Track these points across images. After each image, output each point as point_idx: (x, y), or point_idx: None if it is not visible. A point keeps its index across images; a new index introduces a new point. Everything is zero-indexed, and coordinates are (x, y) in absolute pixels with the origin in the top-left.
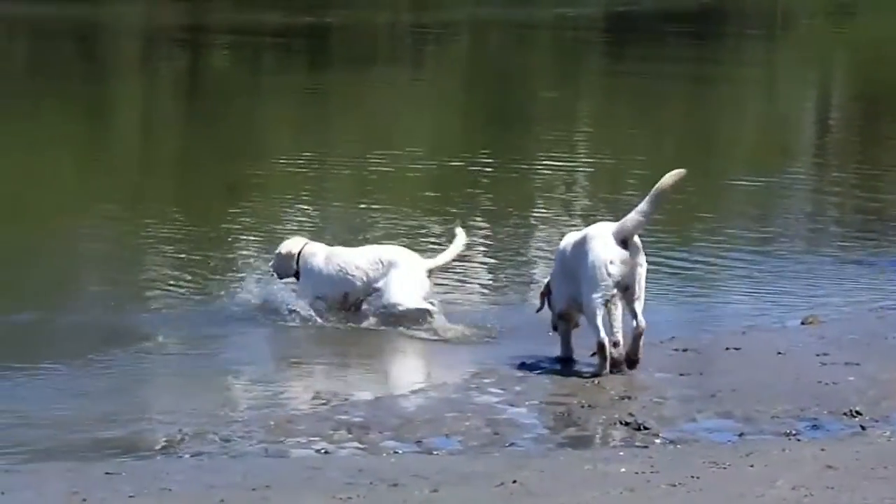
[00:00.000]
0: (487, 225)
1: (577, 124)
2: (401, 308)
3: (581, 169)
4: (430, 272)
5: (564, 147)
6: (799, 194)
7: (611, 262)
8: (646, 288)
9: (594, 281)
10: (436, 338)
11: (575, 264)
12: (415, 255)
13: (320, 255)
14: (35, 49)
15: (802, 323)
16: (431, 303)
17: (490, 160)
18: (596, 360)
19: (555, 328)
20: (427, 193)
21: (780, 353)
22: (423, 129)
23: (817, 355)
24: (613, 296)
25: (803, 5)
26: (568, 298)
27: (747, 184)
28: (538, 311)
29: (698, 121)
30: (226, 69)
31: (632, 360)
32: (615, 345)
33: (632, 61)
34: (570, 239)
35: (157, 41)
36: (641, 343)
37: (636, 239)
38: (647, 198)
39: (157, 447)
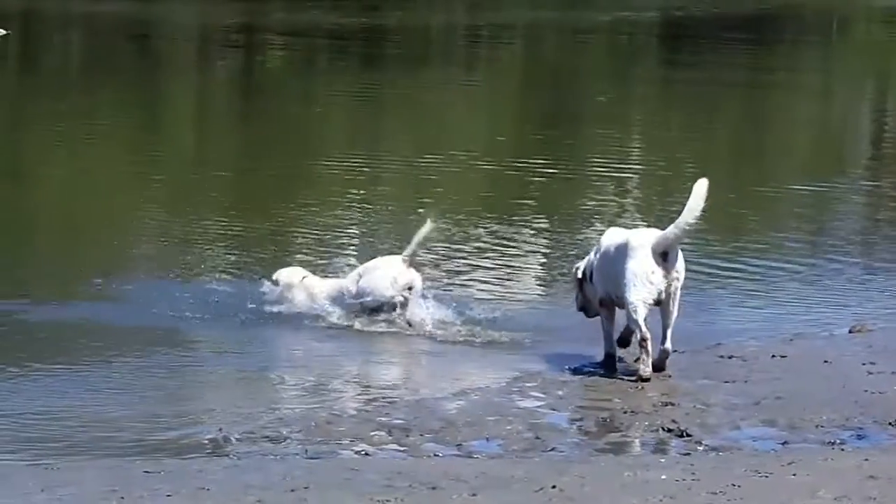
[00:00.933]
0: (537, 228)
1: (631, 128)
2: (368, 299)
3: (633, 173)
4: (409, 262)
5: (617, 151)
6: (851, 202)
7: (652, 273)
8: (681, 299)
9: (636, 287)
10: (465, 340)
11: (616, 267)
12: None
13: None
14: (91, 46)
15: (850, 331)
16: (403, 295)
17: (542, 163)
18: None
19: (581, 309)
20: (478, 195)
21: (826, 361)
22: (475, 130)
23: (864, 364)
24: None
25: (859, 12)
26: (605, 292)
27: (799, 190)
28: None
29: (752, 126)
30: (280, 69)
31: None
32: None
33: (687, 66)
34: (614, 237)
35: (212, 40)
36: (666, 364)
37: (676, 251)
38: (686, 212)
39: (197, 447)
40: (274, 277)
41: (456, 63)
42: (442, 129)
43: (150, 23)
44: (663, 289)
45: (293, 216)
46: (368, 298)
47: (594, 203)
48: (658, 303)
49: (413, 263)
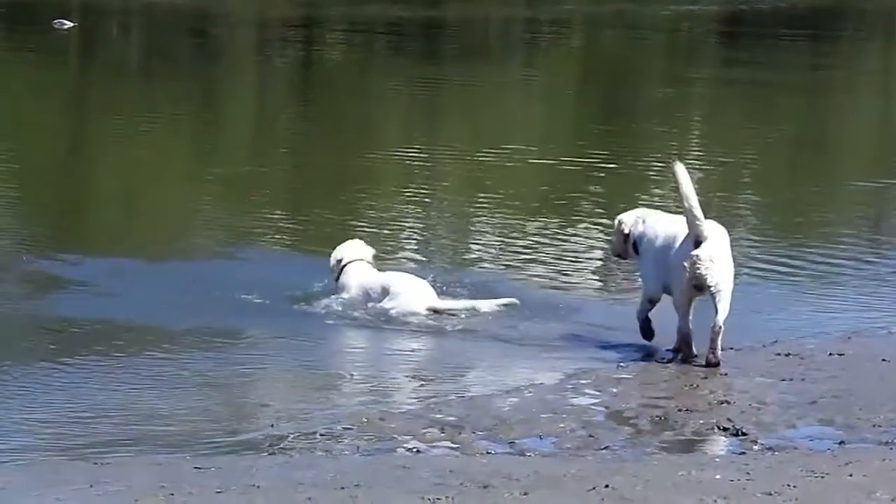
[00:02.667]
0: (594, 222)
1: (690, 123)
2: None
3: (693, 167)
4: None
5: (676, 145)
6: None
7: (683, 262)
8: (732, 291)
9: (674, 278)
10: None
11: (664, 256)
12: None
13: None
14: (151, 39)
15: None
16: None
17: (600, 157)
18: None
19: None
20: (535, 189)
21: (884, 360)
22: (534, 125)
23: None
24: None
25: None
26: (661, 283)
27: (859, 187)
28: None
29: (812, 122)
30: (340, 62)
31: (710, 362)
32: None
33: (746, 60)
34: (666, 227)
35: (272, 33)
36: (719, 343)
37: (713, 236)
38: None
39: (248, 443)
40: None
41: (515, 57)
42: (500, 124)
43: (210, 15)
44: (700, 275)
45: (349, 210)
46: (393, 313)
47: (651, 198)
48: (703, 287)
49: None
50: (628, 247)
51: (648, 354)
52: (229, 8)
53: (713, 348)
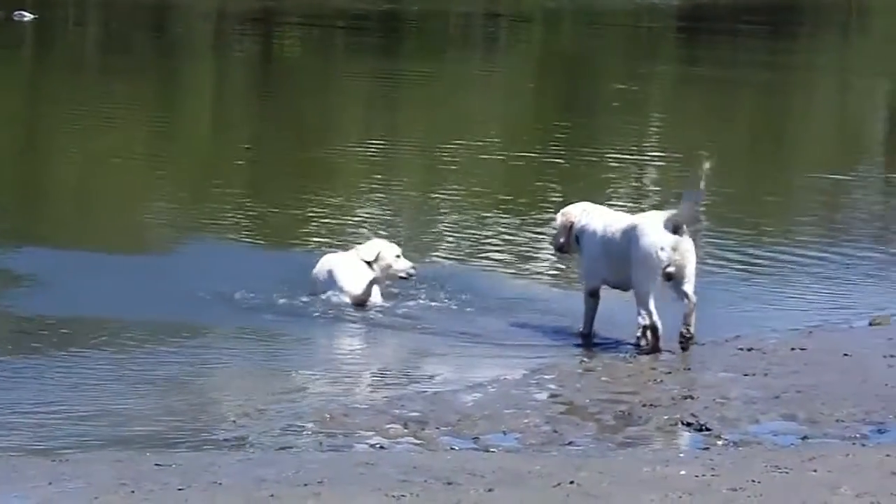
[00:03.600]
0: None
1: (649, 116)
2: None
3: (650, 161)
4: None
5: (634, 138)
6: (869, 192)
7: (661, 249)
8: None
9: (645, 267)
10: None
11: (623, 248)
12: None
13: None
14: (107, 32)
15: (870, 324)
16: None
17: (559, 150)
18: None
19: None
20: (494, 182)
21: (846, 354)
22: (493, 118)
23: (885, 357)
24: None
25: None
26: (601, 278)
27: (818, 181)
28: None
29: (769, 115)
30: (299, 55)
31: (685, 337)
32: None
33: (704, 55)
34: (614, 222)
35: (231, 26)
36: (693, 319)
37: (686, 229)
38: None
39: (209, 440)
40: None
41: (475, 51)
42: (459, 117)
43: (170, 8)
44: (676, 262)
45: (308, 202)
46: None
47: (610, 190)
48: (670, 277)
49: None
50: (571, 239)
51: (611, 349)
52: (188, 1)
53: (689, 325)
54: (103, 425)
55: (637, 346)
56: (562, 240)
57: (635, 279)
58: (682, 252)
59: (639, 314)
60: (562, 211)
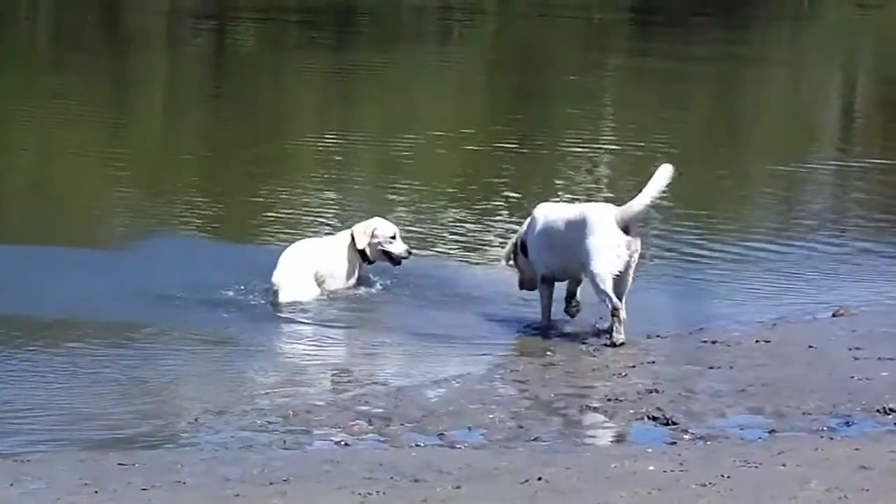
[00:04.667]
0: (510, 208)
1: (602, 108)
2: None
3: (605, 153)
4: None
5: (588, 131)
6: (826, 182)
7: (618, 246)
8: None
9: (603, 260)
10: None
11: (571, 241)
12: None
13: None
14: (59, 25)
15: (833, 315)
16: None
17: (513, 143)
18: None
19: (521, 286)
20: (449, 175)
21: (811, 346)
22: (447, 110)
23: (850, 349)
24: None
25: None
26: (548, 267)
27: (772, 171)
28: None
29: (724, 107)
30: (253, 49)
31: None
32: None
33: (657, 46)
34: (558, 213)
35: (184, 19)
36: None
37: (635, 227)
38: (649, 189)
39: (173, 438)
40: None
41: (429, 43)
42: (414, 110)
43: (122, 2)
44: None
45: (265, 197)
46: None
47: (565, 181)
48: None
49: None
50: (518, 255)
51: (576, 342)
52: None
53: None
54: (64, 425)
55: (609, 337)
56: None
57: (594, 269)
58: (632, 252)
59: (603, 301)
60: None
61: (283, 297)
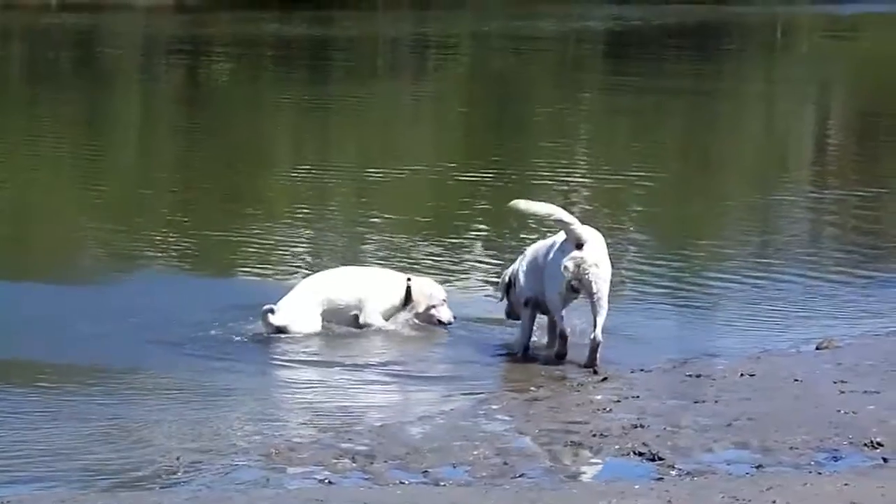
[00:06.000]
0: (486, 241)
1: (576, 140)
2: None
3: (579, 185)
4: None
5: (564, 162)
6: (802, 213)
7: (565, 267)
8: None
9: (552, 280)
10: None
11: (541, 266)
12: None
13: None
14: (33, 57)
15: (818, 348)
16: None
17: (488, 175)
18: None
19: (508, 315)
20: (424, 208)
21: (796, 379)
22: (421, 143)
23: (835, 382)
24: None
25: (803, 20)
26: (533, 292)
27: (750, 203)
28: (500, 300)
29: (698, 138)
30: (226, 80)
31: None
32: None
33: (630, 78)
34: (542, 243)
35: (158, 51)
36: (598, 355)
37: (593, 240)
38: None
39: (154, 478)
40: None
41: (404, 75)
42: (389, 141)
43: (95, 34)
44: (580, 276)
45: (240, 229)
46: None
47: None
48: (576, 290)
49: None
50: (510, 295)
51: (559, 376)
52: (116, 27)
53: (594, 360)
54: (46, 466)
55: (593, 370)
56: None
57: (546, 291)
58: (586, 268)
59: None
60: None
61: (276, 321)
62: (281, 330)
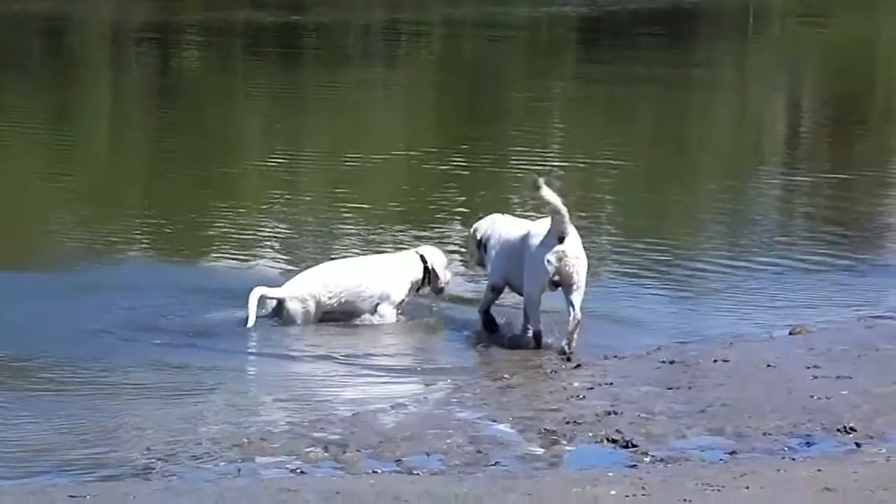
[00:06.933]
0: (459, 227)
1: (549, 126)
2: None
3: (552, 170)
4: None
5: (537, 148)
6: (775, 198)
7: (547, 261)
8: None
9: (533, 274)
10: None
11: (521, 254)
12: None
13: None
14: (3, 43)
15: (790, 333)
16: None
17: (461, 161)
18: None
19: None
20: (397, 195)
21: (769, 365)
22: (394, 129)
23: (808, 368)
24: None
25: (776, 6)
26: (504, 277)
27: (723, 187)
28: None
29: (671, 124)
30: (197, 68)
31: (563, 351)
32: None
33: (604, 64)
34: (511, 228)
35: (127, 39)
36: (576, 335)
37: (573, 233)
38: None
39: (125, 468)
40: None
41: (377, 62)
42: (362, 129)
43: (66, 21)
44: (562, 269)
45: (212, 219)
46: None
47: (513, 197)
48: (561, 282)
49: None
50: (480, 251)
51: (533, 364)
52: (86, 14)
53: (571, 342)
54: (14, 458)
55: (566, 356)
56: (474, 250)
57: (525, 285)
58: (568, 261)
59: (526, 318)
60: (473, 226)
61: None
62: (279, 306)
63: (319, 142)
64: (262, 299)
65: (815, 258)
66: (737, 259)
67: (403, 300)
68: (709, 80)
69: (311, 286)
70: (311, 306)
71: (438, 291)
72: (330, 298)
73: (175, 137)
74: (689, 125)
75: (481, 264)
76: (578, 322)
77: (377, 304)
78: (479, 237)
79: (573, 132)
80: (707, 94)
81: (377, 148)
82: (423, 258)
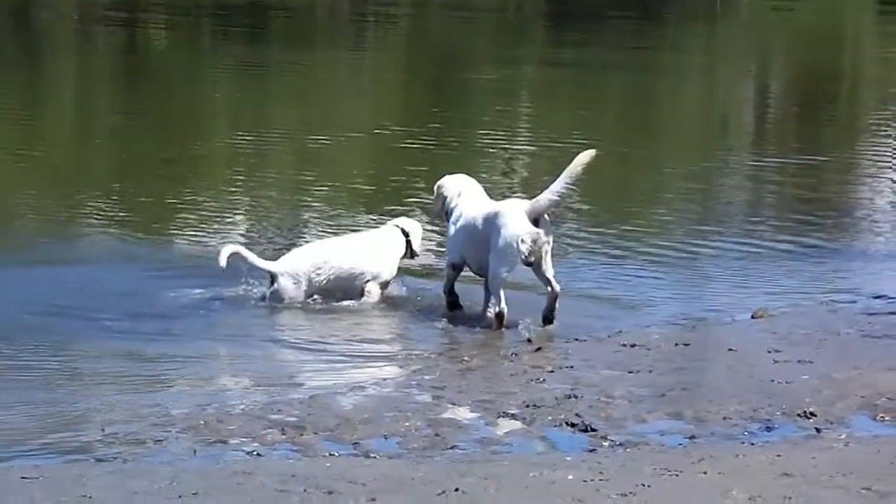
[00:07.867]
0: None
1: (517, 106)
2: None
3: (520, 151)
4: None
5: (504, 129)
6: (740, 181)
7: (521, 241)
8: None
9: (504, 256)
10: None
11: (485, 235)
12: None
13: None
14: None
15: (752, 317)
16: None
17: (429, 141)
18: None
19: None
20: (364, 175)
21: (730, 349)
22: (361, 109)
23: (769, 352)
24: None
25: None
26: (461, 256)
27: (688, 170)
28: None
29: (639, 105)
30: (164, 47)
31: (548, 318)
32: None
33: (572, 45)
34: (476, 209)
35: (92, 16)
36: (557, 305)
37: (546, 217)
38: (561, 178)
39: (78, 449)
40: None
41: (344, 40)
42: (328, 107)
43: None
44: (535, 252)
45: (177, 200)
46: None
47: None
48: (534, 264)
49: None
50: (443, 212)
51: (493, 347)
52: None
53: (553, 309)
54: None
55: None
56: (437, 207)
57: (492, 266)
58: (542, 244)
59: (489, 300)
60: (439, 182)
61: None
62: (273, 279)
63: (287, 120)
64: (252, 268)
65: (780, 241)
66: (701, 242)
67: (390, 280)
68: (676, 62)
69: (304, 264)
70: (303, 284)
71: (414, 257)
72: (321, 277)
73: (140, 116)
74: (657, 106)
75: (439, 217)
76: (557, 295)
77: (367, 282)
78: (445, 197)
79: (540, 112)
80: (675, 76)
81: (344, 127)
82: (403, 231)
